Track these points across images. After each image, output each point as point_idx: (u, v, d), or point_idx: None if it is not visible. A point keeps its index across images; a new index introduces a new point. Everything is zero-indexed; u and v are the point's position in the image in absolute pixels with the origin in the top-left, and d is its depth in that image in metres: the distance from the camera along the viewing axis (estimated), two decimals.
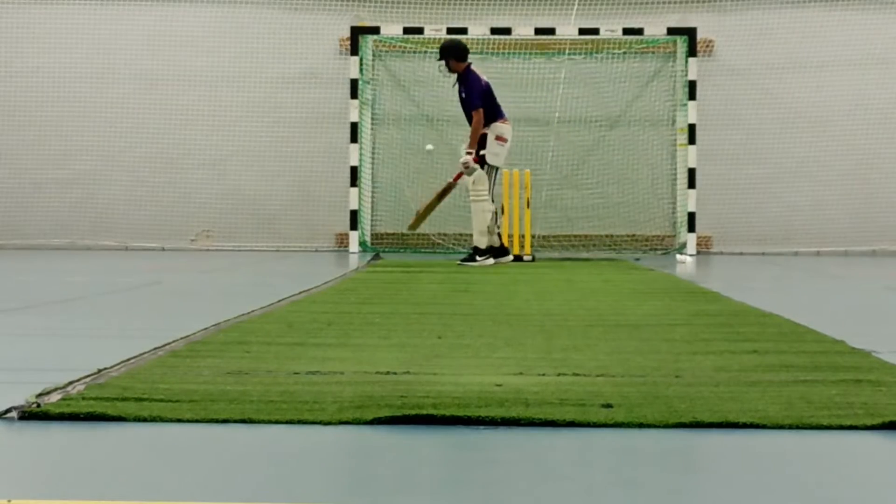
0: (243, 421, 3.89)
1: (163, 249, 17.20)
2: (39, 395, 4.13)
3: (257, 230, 17.53)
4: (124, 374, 4.67)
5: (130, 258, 15.27)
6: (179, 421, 3.88)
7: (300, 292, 9.01)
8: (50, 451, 3.58)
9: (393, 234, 17.39)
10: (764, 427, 3.84)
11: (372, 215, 17.45)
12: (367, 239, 17.28)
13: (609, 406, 4.08)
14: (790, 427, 3.85)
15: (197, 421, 3.89)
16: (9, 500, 2.87)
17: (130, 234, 17.36)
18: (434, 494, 3.13)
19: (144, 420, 3.88)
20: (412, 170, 17.40)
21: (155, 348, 5.47)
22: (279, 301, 8.18)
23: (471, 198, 13.67)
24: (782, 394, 4.37)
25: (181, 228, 17.48)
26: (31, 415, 3.89)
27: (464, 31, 16.87)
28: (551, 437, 3.76)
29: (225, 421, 3.89)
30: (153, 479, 3.25)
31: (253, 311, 7.38)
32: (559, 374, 4.80)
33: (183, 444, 3.69)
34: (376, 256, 15.73)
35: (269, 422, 3.88)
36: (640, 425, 3.86)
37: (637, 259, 15.44)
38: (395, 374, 4.80)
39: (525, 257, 14.78)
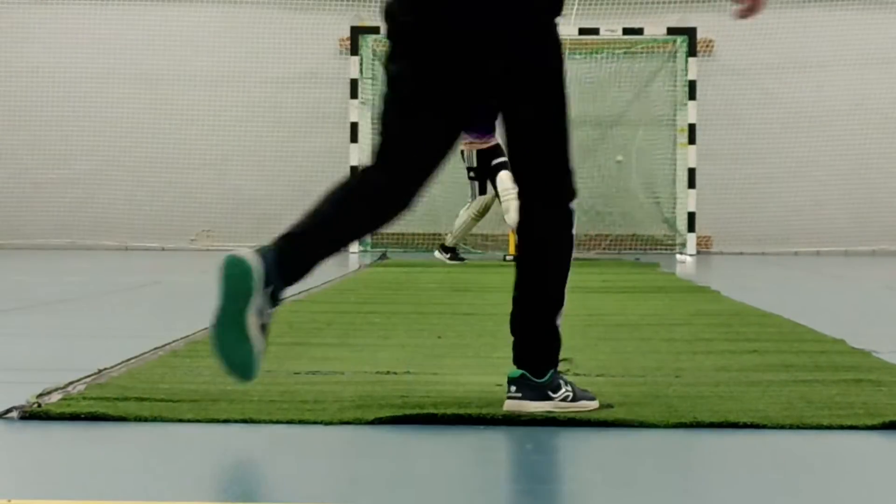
0: (243, 421, 3.89)
1: (163, 249, 17.19)
2: (40, 395, 4.13)
3: (257, 230, 17.48)
4: (125, 374, 4.67)
5: (130, 258, 15.27)
6: (180, 421, 3.88)
7: (300, 292, 9.01)
8: (50, 451, 3.58)
9: (392, 233, 17.39)
10: (764, 427, 3.84)
11: None
12: (367, 239, 17.26)
13: (609, 406, 4.08)
14: (790, 427, 3.85)
15: (197, 421, 3.89)
16: (9, 500, 2.87)
17: (130, 234, 17.35)
18: (434, 494, 3.13)
19: (145, 420, 3.88)
20: None
21: (155, 348, 5.47)
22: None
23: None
24: (782, 394, 4.37)
25: (181, 228, 17.46)
26: (32, 415, 3.89)
27: None
28: (551, 436, 3.76)
29: (225, 421, 3.89)
30: (153, 479, 3.25)
31: None
32: None
33: (183, 444, 3.69)
34: (383, 256, 15.73)
35: (270, 422, 3.88)
36: (641, 425, 3.86)
37: (637, 259, 15.44)
38: (395, 374, 4.80)
39: None
